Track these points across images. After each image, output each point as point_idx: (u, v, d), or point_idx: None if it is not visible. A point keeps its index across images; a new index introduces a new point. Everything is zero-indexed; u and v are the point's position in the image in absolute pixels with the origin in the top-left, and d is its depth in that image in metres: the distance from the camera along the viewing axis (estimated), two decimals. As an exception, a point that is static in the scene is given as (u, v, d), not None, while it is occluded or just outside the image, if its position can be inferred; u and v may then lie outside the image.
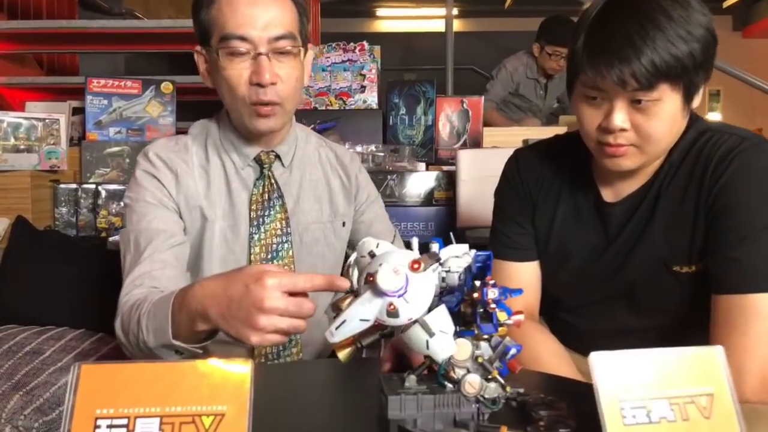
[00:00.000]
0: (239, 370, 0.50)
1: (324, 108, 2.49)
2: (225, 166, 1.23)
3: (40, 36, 2.90)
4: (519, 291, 0.65)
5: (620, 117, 0.97)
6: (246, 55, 1.12)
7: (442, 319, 0.60)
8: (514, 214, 1.23)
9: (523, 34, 4.45)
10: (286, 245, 1.24)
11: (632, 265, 1.10)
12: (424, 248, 0.67)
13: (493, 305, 0.59)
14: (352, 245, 1.39)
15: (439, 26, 4.61)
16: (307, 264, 1.27)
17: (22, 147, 2.27)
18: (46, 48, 3.23)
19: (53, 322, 1.82)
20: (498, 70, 3.70)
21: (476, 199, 1.98)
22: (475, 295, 0.60)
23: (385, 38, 6.71)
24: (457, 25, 4.66)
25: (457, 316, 0.63)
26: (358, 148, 2.24)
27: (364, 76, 2.52)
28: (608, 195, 1.14)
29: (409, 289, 0.60)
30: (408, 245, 0.70)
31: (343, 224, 1.33)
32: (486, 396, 0.62)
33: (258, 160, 1.24)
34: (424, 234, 2.09)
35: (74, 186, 2.26)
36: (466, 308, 0.63)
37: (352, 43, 2.56)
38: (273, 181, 1.25)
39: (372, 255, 0.66)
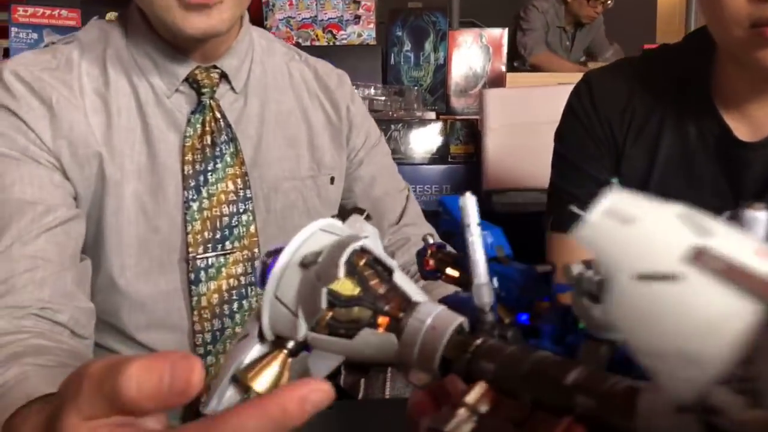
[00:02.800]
0: None
1: (309, 44, 2.02)
2: (138, 92, 0.77)
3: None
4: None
5: None
6: None
7: None
8: (586, 165, 0.87)
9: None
10: (244, 218, 0.80)
11: None
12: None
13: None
14: (342, 213, 0.94)
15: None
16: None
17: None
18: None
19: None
20: (526, 11, 3.23)
21: (508, 154, 1.55)
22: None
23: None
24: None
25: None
26: (352, 92, 1.78)
27: (358, 3, 2.05)
28: (743, 130, 0.76)
29: None
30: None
31: (332, 180, 0.88)
32: None
33: (193, 81, 0.78)
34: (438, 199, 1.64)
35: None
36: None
37: (343, -36, 2.09)
38: (219, 114, 0.79)
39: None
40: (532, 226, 0.99)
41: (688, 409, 0.19)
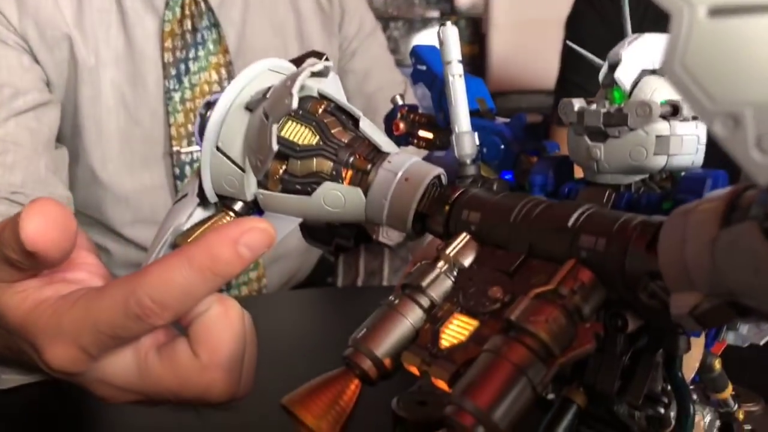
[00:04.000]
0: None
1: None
2: None
3: None
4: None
5: None
6: None
7: None
8: (597, 53, 0.78)
9: None
10: (230, 110, 0.74)
11: None
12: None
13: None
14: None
15: None
16: None
17: None
18: None
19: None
20: None
21: (513, 54, 1.47)
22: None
23: None
24: None
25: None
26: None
27: None
28: None
29: None
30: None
31: None
32: None
33: (170, -41, 0.72)
34: (440, 103, 1.59)
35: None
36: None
37: None
38: (200, -3, 0.73)
39: None
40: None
41: (740, 219, 0.14)
